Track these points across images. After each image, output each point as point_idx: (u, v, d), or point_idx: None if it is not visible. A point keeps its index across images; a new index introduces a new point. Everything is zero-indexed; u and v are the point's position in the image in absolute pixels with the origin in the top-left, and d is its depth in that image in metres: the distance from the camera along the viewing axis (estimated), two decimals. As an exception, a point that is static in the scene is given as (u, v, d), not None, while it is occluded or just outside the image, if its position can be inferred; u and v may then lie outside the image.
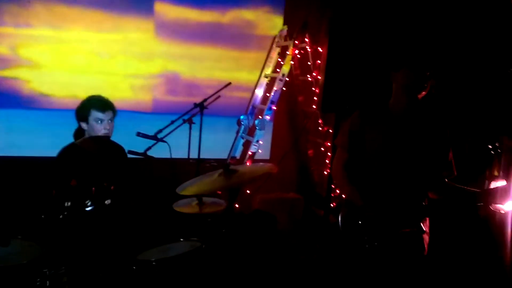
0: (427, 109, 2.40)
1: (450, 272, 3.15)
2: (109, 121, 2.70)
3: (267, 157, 5.04)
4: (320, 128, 4.90)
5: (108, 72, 4.28)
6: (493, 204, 2.13)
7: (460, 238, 3.27)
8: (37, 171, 2.69)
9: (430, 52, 2.54)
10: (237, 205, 4.53)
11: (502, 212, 2.11)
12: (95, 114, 2.66)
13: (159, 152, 3.30)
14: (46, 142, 3.90)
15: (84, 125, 2.71)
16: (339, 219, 2.43)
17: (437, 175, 2.40)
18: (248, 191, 4.63)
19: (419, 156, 2.34)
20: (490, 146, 2.78)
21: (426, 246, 2.41)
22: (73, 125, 2.78)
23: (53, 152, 2.69)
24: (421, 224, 2.35)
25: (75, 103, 2.77)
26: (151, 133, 3.34)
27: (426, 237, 2.42)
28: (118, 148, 2.89)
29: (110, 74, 4.29)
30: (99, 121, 2.66)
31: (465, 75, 3.57)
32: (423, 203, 2.41)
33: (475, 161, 3.11)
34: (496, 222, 2.84)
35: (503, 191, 2.16)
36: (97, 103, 2.69)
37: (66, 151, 2.67)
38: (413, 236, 2.35)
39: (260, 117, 4.67)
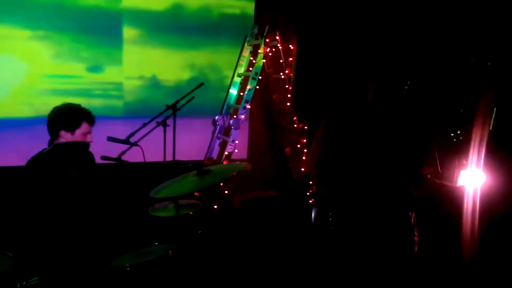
0: (406, 104, 2.41)
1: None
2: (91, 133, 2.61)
3: (244, 156, 5.04)
4: (295, 125, 4.92)
5: (76, 75, 4.20)
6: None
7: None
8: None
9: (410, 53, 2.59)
10: (215, 206, 4.51)
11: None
12: (86, 127, 2.54)
13: (133, 156, 3.25)
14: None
15: (66, 134, 2.54)
16: (312, 213, 2.48)
17: (419, 170, 2.40)
18: (226, 192, 4.62)
19: (401, 149, 2.35)
20: (452, 134, 2.83)
21: (416, 244, 2.41)
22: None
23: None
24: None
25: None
26: (123, 137, 3.29)
27: (416, 238, 2.42)
28: (88, 153, 2.76)
29: (77, 78, 4.21)
30: (86, 134, 2.55)
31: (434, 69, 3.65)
32: (405, 197, 2.40)
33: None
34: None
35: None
36: (89, 116, 2.56)
37: (34, 162, 2.50)
38: (395, 231, 2.36)
39: (235, 116, 4.67)
